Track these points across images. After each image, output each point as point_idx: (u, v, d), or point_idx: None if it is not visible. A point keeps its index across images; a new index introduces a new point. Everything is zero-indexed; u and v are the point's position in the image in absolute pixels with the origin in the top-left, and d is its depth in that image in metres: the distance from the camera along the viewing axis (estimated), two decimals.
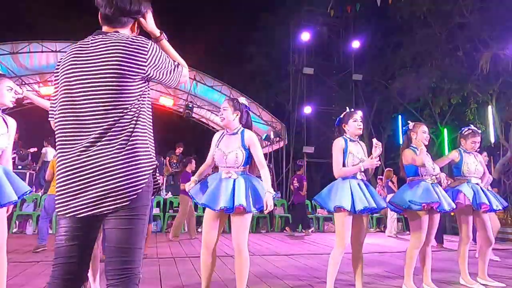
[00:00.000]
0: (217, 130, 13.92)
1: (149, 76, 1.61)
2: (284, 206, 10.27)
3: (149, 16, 1.73)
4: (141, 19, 1.71)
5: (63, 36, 11.78)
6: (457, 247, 3.80)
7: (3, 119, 2.59)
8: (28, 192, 2.63)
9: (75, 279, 1.48)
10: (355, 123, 3.17)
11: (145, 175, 1.50)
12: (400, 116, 13.41)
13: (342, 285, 3.59)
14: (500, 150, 10.83)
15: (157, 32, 1.75)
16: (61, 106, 1.54)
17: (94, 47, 1.56)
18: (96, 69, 1.51)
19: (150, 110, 1.64)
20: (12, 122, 2.65)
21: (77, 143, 1.48)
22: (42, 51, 11.00)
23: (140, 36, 1.64)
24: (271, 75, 16.81)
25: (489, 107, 10.62)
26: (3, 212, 2.47)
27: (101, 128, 1.47)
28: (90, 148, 1.46)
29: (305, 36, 13.23)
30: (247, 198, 2.68)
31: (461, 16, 10.35)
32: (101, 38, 1.57)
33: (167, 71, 1.68)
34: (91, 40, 1.60)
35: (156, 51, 1.62)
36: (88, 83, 1.50)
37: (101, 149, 1.46)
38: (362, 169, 3.06)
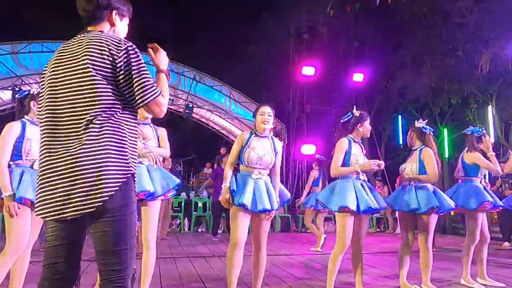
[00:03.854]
0: (217, 130, 13.98)
1: (118, 80, 1.48)
2: (284, 206, 10.27)
3: (125, 21, 1.71)
4: (150, 51, 1.68)
5: (63, 36, 11.76)
6: (462, 247, 3.81)
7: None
8: None
9: (64, 279, 1.49)
10: (369, 126, 3.31)
11: (113, 184, 1.42)
12: (400, 116, 13.40)
13: (342, 285, 3.59)
14: (500, 150, 10.83)
15: (163, 67, 1.68)
16: (45, 108, 1.53)
17: (73, 46, 1.54)
18: (71, 70, 1.49)
19: (132, 117, 1.56)
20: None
21: (53, 146, 1.47)
22: (42, 51, 11.01)
23: (117, 37, 1.55)
24: (271, 75, 16.81)
25: (489, 107, 10.61)
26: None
27: (73, 132, 1.45)
28: (62, 151, 1.45)
29: (305, 36, 13.23)
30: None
31: (461, 16, 10.34)
32: (80, 37, 1.56)
33: (138, 83, 1.48)
34: (73, 39, 1.59)
35: (131, 54, 1.50)
36: (65, 84, 1.49)
37: (70, 153, 1.43)
38: (359, 171, 3.06)
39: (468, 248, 3.67)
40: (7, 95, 11.73)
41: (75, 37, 1.59)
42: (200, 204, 9.26)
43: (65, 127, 1.47)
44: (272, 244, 6.81)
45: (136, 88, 1.48)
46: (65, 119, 1.47)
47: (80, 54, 1.48)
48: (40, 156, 1.51)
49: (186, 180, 13.10)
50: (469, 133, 3.79)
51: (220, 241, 7.02)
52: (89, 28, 1.61)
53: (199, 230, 9.06)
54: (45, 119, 1.52)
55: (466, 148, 3.75)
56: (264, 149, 2.88)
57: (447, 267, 4.69)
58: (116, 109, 1.49)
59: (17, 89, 11.14)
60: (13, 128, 2.62)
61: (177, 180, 2.87)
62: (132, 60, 1.49)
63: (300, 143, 13.06)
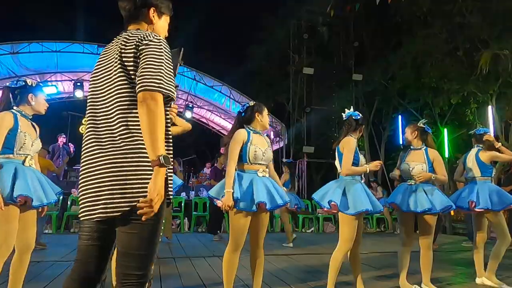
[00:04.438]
0: (217, 130, 13.98)
1: (138, 68, 1.43)
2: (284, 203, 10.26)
3: (164, 18, 1.69)
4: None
5: (63, 36, 11.80)
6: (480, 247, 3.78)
7: (32, 124, 2.68)
8: (59, 193, 2.74)
9: (91, 279, 1.49)
10: (363, 128, 3.32)
11: (140, 190, 1.40)
12: (400, 116, 13.41)
13: (342, 285, 3.58)
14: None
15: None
16: (88, 109, 1.58)
17: (111, 47, 1.57)
18: (106, 71, 1.52)
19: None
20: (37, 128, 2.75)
21: (92, 148, 1.49)
22: (42, 51, 11.00)
23: (146, 33, 1.50)
24: (271, 75, 16.81)
25: (489, 107, 10.61)
26: (33, 214, 2.57)
27: (107, 133, 1.46)
28: (97, 153, 1.47)
29: (305, 36, 13.23)
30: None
31: (461, 16, 10.34)
32: (117, 37, 1.58)
33: (142, 70, 1.41)
34: (113, 40, 1.61)
35: (151, 46, 1.44)
36: (102, 84, 1.52)
37: (103, 155, 1.45)
38: (367, 171, 3.07)
39: (501, 250, 3.62)
40: None
41: (115, 38, 1.60)
42: (200, 204, 9.25)
43: (100, 128, 1.48)
44: (272, 244, 6.81)
45: (139, 74, 1.42)
46: (100, 119, 1.49)
47: (113, 55, 1.50)
48: (81, 156, 1.54)
49: (186, 180, 13.10)
50: (481, 132, 3.82)
51: (220, 240, 7.01)
52: (129, 27, 1.61)
53: (199, 230, 9.05)
54: (88, 120, 1.54)
55: (478, 150, 3.73)
56: (265, 145, 2.87)
57: (447, 267, 4.69)
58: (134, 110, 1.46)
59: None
60: (6, 119, 2.42)
61: (178, 181, 2.80)
62: (149, 50, 1.44)
63: (300, 143, 13.06)
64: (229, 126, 14.04)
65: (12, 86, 2.56)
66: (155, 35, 1.49)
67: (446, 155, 11.61)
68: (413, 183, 3.38)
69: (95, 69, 1.59)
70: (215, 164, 8.15)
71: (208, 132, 15.62)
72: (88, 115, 1.55)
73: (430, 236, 3.37)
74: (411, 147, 3.54)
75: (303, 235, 8.88)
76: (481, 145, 3.75)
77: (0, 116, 2.43)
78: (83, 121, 13.33)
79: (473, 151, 3.79)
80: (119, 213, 1.40)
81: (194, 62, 13.30)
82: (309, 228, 9.73)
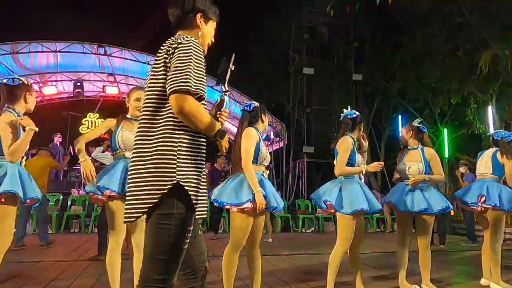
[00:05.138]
0: None
1: (168, 70, 1.47)
2: (283, 207, 10.28)
3: (210, 23, 1.73)
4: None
5: (63, 36, 11.78)
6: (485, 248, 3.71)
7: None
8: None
9: (189, 274, 1.58)
10: (363, 126, 3.26)
11: (155, 194, 1.40)
12: (400, 116, 13.40)
13: (342, 285, 3.58)
14: None
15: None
16: (142, 111, 1.60)
17: (158, 53, 1.59)
18: (151, 75, 1.56)
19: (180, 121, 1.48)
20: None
21: (134, 148, 1.55)
22: (42, 51, 11.00)
23: (181, 36, 1.53)
24: (271, 75, 16.81)
25: (489, 107, 10.61)
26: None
27: (143, 136, 1.50)
28: (134, 154, 1.52)
29: (305, 36, 13.23)
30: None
31: (461, 16, 10.34)
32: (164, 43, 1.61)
33: (171, 72, 1.44)
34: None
35: (180, 48, 1.46)
36: (146, 83, 1.59)
37: (136, 158, 1.49)
38: (364, 172, 3.06)
39: (497, 249, 3.55)
40: None
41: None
42: None
43: (139, 131, 1.53)
44: (272, 244, 6.81)
45: (168, 76, 1.45)
46: (141, 119, 1.54)
47: (156, 60, 1.56)
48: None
49: None
50: (499, 138, 3.67)
51: (218, 240, 7.01)
52: (176, 33, 1.64)
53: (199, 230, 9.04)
54: (139, 128, 1.55)
55: (497, 150, 3.63)
56: (265, 147, 2.87)
57: (447, 267, 4.69)
58: (170, 114, 1.47)
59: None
60: (12, 119, 2.43)
61: None
62: (178, 52, 1.46)
63: (300, 143, 13.06)
64: (229, 126, 14.05)
65: (10, 84, 2.53)
66: (186, 37, 1.51)
67: (446, 155, 11.62)
68: (408, 183, 3.38)
69: (150, 72, 1.67)
70: (215, 165, 8.14)
71: None
72: (141, 118, 1.57)
73: (427, 236, 3.37)
74: (408, 147, 3.53)
75: (303, 235, 8.88)
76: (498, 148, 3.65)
77: (6, 116, 2.45)
78: (83, 121, 13.35)
79: (491, 151, 3.69)
80: (139, 215, 1.44)
81: None
82: (309, 228, 9.73)
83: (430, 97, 12.33)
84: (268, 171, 2.88)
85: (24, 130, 2.53)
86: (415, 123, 3.54)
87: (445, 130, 12.02)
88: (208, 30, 1.71)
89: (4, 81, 2.53)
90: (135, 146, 1.51)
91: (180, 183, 1.41)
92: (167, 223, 1.41)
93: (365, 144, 3.24)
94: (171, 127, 1.45)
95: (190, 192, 1.43)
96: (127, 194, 1.49)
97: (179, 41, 1.48)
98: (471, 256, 5.72)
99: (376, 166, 3.08)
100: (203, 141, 1.54)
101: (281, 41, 14.99)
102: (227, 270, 2.76)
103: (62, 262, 4.57)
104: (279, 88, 16.39)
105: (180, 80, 1.40)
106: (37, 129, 2.52)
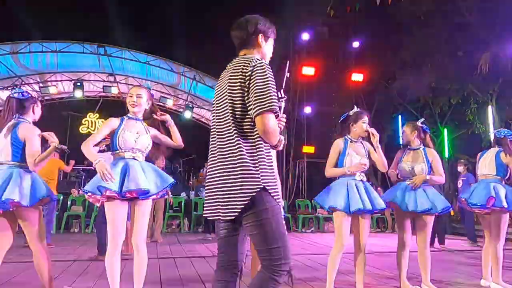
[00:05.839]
0: None
1: (247, 91, 1.67)
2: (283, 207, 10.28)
3: (270, 42, 1.93)
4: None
5: (63, 36, 11.78)
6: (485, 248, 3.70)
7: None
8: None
9: (229, 268, 1.75)
10: (364, 124, 3.20)
11: (245, 197, 1.61)
12: (400, 116, 13.40)
13: (342, 285, 3.58)
14: None
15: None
16: (213, 123, 1.83)
17: (226, 71, 1.82)
18: (221, 91, 1.79)
19: (255, 128, 1.68)
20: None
21: (212, 156, 1.79)
22: (42, 51, 11.01)
23: (251, 57, 1.73)
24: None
25: (489, 107, 10.62)
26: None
27: (222, 143, 1.72)
28: (216, 161, 1.74)
29: (305, 36, 13.22)
30: None
31: (461, 16, 10.34)
32: (231, 63, 1.82)
33: (254, 94, 1.64)
34: (228, 64, 1.85)
35: (257, 70, 1.66)
36: (219, 103, 1.79)
37: (219, 164, 1.72)
38: (347, 172, 3.07)
39: (499, 249, 3.54)
40: (7, 95, 11.71)
41: (230, 62, 1.84)
42: (200, 204, 9.25)
43: (218, 140, 1.76)
44: None
45: (251, 99, 1.65)
46: (219, 133, 1.76)
47: (226, 79, 1.76)
48: (208, 161, 1.82)
49: (186, 180, 13.10)
50: (501, 136, 3.65)
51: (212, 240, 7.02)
52: (240, 53, 1.87)
53: (199, 230, 9.05)
54: (213, 133, 1.82)
55: (500, 150, 3.62)
56: None
57: (447, 267, 4.69)
58: (250, 127, 1.69)
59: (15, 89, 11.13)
60: (39, 133, 2.70)
61: (171, 179, 2.77)
62: (256, 74, 1.66)
63: (300, 143, 13.06)
64: None
65: (20, 98, 2.77)
66: (257, 59, 1.71)
67: (446, 155, 11.62)
68: (409, 183, 3.37)
69: (216, 91, 1.85)
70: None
71: (208, 132, 15.61)
72: (213, 128, 1.82)
73: (427, 236, 3.37)
74: (409, 146, 3.52)
75: (303, 235, 8.88)
76: (501, 148, 3.64)
77: (33, 127, 2.72)
78: (83, 121, 13.35)
79: (494, 151, 3.68)
80: (232, 217, 1.65)
81: (194, 62, 13.31)
82: (309, 228, 9.74)
83: (430, 97, 12.32)
84: None
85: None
86: (419, 123, 3.55)
87: (445, 130, 12.03)
88: (268, 48, 1.93)
89: (15, 95, 2.77)
90: (218, 157, 1.73)
91: (266, 187, 1.65)
92: (265, 217, 1.63)
93: (374, 139, 3.16)
94: (251, 141, 1.69)
95: (271, 192, 1.68)
96: (211, 196, 1.74)
97: (253, 63, 1.69)
98: (471, 256, 5.72)
99: (359, 166, 3.07)
100: (270, 148, 1.78)
101: (281, 40, 14.97)
102: None
103: (62, 262, 4.57)
104: (279, 88, 16.37)
105: (265, 102, 1.62)
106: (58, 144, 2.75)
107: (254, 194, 1.61)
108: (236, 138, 1.67)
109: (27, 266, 4.26)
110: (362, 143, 3.25)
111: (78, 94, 11.93)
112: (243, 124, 1.69)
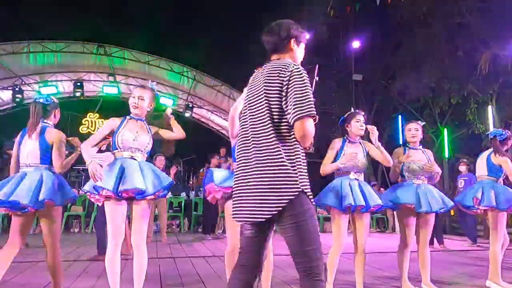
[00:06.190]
0: (217, 130, 13.85)
1: (285, 96, 1.70)
2: None
3: (301, 46, 1.96)
4: None
5: (63, 36, 11.78)
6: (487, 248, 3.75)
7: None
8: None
9: (250, 267, 1.78)
10: (357, 123, 3.21)
11: (284, 199, 1.63)
12: (400, 116, 13.39)
13: (342, 285, 3.58)
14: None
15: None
16: (249, 126, 1.83)
17: (259, 75, 1.86)
18: (257, 95, 1.81)
19: (293, 131, 1.71)
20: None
21: (243, 158, 1.80)
22: (42, 51, 11.00)
23: (287, 62, 1.76)
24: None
25: (489, 107, 10.61)
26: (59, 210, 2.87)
27: (258, 146, 1.73)
28: (250, 164, 1.74)
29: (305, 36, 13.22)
30: None
31: (461, 16, 10.34)
32: (264, 67, 1.88)
33: (293, 98, 1.66)
34: (260, 69, 1.91)
35: (295, 75, 1.68)
36: (254, 107, 1.81)
37: (254, 167, 1.72)
38: (339, 166, 3.12)
39: (498, 249, 3.53)
40: (7, 95, 11.72)
41: (262, 67, 1.90)
42: (200, 204, 9.25)
43: (253, 142, 1.76)
44: (272, 244, 6.80)
45: (290, 104, 1.67)
46: (254, 136, 1.76)
47: (261, 83, 1.80)
48: (239, 163, 1.83)
49: (186, 180, 13.08)
50: (491, 136, 3.70)
51: (216, 239, 7.02)
52: (272, 57, 1.91)
53: (199, 230, 9.05)
54: (245, 135, 1.83)
55: (492, 151, 3.64)
56: None
57: (447, 267, 4.69)
58: (287, 130, 1.72)
59: (17, 89, 11.13)
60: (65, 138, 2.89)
61: (169, 179, 2.77)
62: (295, 79, 1.69)
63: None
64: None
65: (45, 103, 2.93)
66: (294, 65, 1.74)
67: (446, 155, 11.61)
68: (420, 182, 3.36)
69: (248, 96, 1.89)
70: (206, 165, 8.14)
71: (208, 132, 15.61)
72: (250, 131, 1.81)
73: (429, 235, 3.40)
74: (410, 146, 3.51)
75: None
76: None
77: (59, 132, 2.90)
78: (83, 121, 13.35)
79: (487, 152, 3.72)
80: (263, 219, 1.67)
81: (194, 62, 13.30)
82: None
83: (430, 97, 12.32)
84: None
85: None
86: (421, 123, 3.57)
87: (445, 130, 12.02)
88: (300, 52, 1.96)
89: (41, 100, 2.93)
90: (253, 159, 1.73)
91: (304, 190, 1.68)
92: (303, 219, 1.66)
93: (372, 136, 3.17)
94: (289, 144, 1.72)
95: (309, 194, 1.71)
96: (244, 198, 1.74)
97: (290, 68, 1.72)
98: (471, 256, 5.72)
99: (348, 156, 3.11)
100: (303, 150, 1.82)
101: None
102: (229, 271, 2.77)
103: (62, 262, 4.55)
104: None
105: (305, 107, 1.65)
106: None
107: (293, 197, 1.64)
108: (275, 141, 1.70)
109: (27, 266, 4.26)
110: (361, 144, 3.26)
111: (78, 94, 11.93)
112: (281, 127, 1.72)
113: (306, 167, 1.76)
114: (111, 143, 2.76)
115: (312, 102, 1.67)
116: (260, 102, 1.77)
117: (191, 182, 12.22)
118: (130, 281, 2.70)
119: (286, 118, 1.71)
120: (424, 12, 11.11)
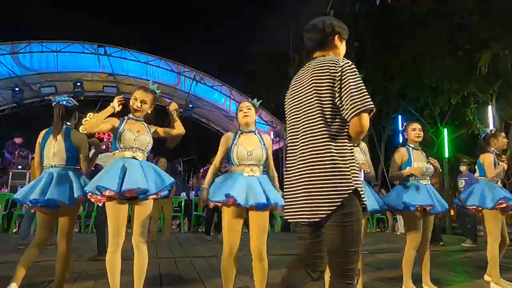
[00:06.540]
0: (217, 130, 13.86)
1: (339, 92, 1.67)
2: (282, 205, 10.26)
3: (344, 42, 1.92)
4: None
5: (63, 36, 11.80)
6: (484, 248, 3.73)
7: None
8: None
9: (308, 266, 1.79)
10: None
11: (338, 198, 1.62)
12: (400, 116, 13.39)
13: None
14: (500, 151, 10.80)
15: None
16: (289, 126, 1.85)
17: (304, 74, 1.85)
18: (304, 94, 1.79)
19: (345, 128, 1.70)
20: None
21: (292, 157, 1.80)
22: (42, 51, 11.00)
23: (336, 58, 1.74)
24: (271, 75, 16.81)
25: (489, 107, 10.61)
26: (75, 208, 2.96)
27: (307, 145, 1.72)
28: (299, 163, 1.74)
29: None
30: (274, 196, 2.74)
31: (461, 16, 10.33)
32: (308, 65, 1.86)
33: (348, 95, 1.64)
34: (304, 68, 1.89)
35: (347, 71, 1.67)
36: (301, 106, 1.79)
37: (303, 167, 1.71)
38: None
39: (494, 249, 3.54)
40: (7, 95, 11.72)
41: (304, 65, 1.88)
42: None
43: (301, 142, 1.75)
44: (272, 244, 6.81)
45: (346, 100, 1.64)
46: (304, 135, 1.75)
47: (309, 80, 1.78)
48: (288, 164, 1.83)
49: (186, 180, 13.09)
50: (481, 135, 3.90)
51: (218, 241, 7.01)
52: (315, 54, 1.89)
53: (199, 230, 9.05)
54: (289, 137, 1.86)
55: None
56: (252, 144, 2.79)
57: (447, 267, 4.69)
58: (339, 128, 1.70)
59: (17, 89, 11.12)
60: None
61: (171, 179, 2.76)
62: (347, 75, 1.66)
63: None
64: (229, 126, 14.06)
65: (67, 105, 3.01)
66: (343, 60, 1.72)
67: (446, 155, 11.61)
68: (426, 183, 3.35)
69: (294, 95, 1.87)
70: (207, 165, 8.13)
71: (208, 132, 15.61)
72: (290, 132, 1.86)
73: (429, 235, 3.41)
74: (412, 146, 3.48)
75: None
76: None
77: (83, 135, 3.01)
78: (83, 121, 13.35)
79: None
80: (318, 219, 1.66)
81: (194, 62, 13.31)
82: None
83: (430, 97, 12.31)
84: (252, 172, 2.76)
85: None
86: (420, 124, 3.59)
87: (445, 130, 12.01)
88: (343, 48, 1.93)
89: (63, 102, 3.01)
90: (304, 157, 1.72)
91: (357, 189, 1.66)
92: (349, 221, 1.64)
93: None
94: (341, 142, 1.69)
95: (361, 193, 1.69)
96: (295, 198, 1.74)
97: (340, 64, 1.70)
98: (471, 256, 5.72)
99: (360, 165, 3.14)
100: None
101: (281, 40, 14.99)
102: (224, 275, 2.82)
103: None
104: (279, 88, 16.39)
105: (362, 102, 1.62)
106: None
107: (346, 195, 1.62)
108: (327, 139, 1.67)
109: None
110: (360, 148, 3.28)
111: (78, 94, 11.92)
112: (333, 125, 1.69)
113: (356, 166, 1.73)
114: (112, 144, 2.76)
115: (368, 96, 1.64)
116: (310, 101, 1.75)
117: (191, 182, 12.23)
118: (130, 282, 2.70)
119: (339, 115, 1.68)
120: (424, 12, 11.12)
